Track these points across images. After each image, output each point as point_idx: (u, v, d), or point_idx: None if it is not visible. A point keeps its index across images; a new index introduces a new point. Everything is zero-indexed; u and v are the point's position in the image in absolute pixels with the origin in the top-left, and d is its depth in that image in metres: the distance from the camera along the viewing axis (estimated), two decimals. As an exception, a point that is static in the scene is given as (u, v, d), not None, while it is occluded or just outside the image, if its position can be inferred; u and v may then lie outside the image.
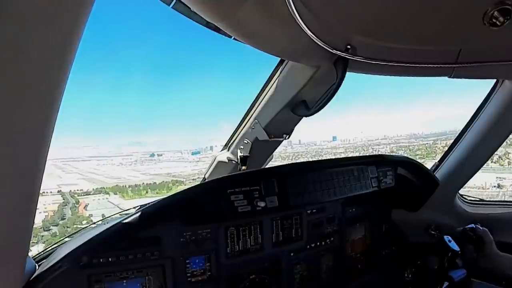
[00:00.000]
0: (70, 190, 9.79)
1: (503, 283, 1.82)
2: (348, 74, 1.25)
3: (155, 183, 10.08)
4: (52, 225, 7.50)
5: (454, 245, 1.84)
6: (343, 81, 1.25)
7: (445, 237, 1.88)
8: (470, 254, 1.81)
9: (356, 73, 1.39)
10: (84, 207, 8.86)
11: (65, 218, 8.26)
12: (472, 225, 1.84)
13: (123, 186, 10.16)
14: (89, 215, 8.22)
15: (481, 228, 1.81)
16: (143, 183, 10.13)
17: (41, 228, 6.78)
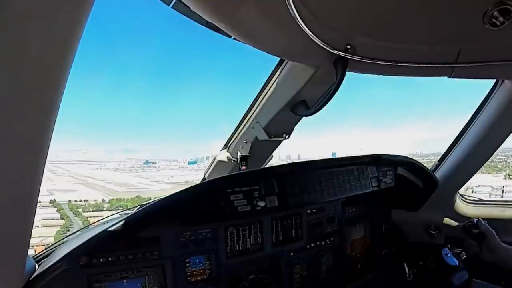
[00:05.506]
0: (70, 201, 6.64)
1: (503, 283, 1.82)
2: (348, 74, 1.25)
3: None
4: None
5: (451, 260, 1.83)
6: (343, 81, 1.25)
7: (443, 250, 1.87)
8: (473, 249, 1.79)
9: (356, 75, 1.39)
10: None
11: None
12: (474, 219, 1.83)
13: (148, 198, 7.29)
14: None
15: (484, 222, 1.79)
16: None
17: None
